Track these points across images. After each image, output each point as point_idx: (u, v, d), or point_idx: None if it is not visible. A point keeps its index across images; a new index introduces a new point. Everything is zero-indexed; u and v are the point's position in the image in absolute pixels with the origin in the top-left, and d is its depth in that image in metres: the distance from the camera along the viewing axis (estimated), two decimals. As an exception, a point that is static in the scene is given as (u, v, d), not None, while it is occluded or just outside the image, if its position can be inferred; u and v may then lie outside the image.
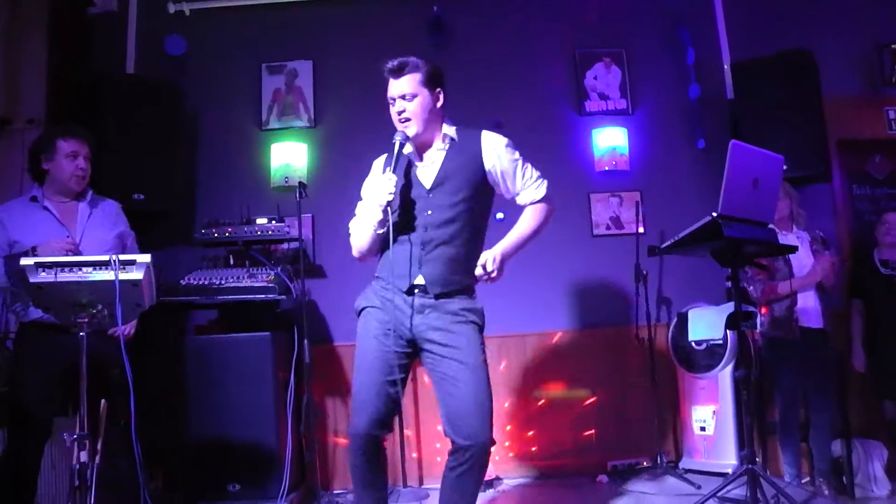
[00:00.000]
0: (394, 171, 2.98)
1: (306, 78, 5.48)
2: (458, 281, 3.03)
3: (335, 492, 4.94)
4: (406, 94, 3.03)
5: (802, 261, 4.42)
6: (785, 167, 3.59)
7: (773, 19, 5.62)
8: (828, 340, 4.49)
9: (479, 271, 2.99)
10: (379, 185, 2.97)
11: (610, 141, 5.46)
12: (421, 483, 5.05)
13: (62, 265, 2.83)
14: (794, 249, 3.87)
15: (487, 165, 3.09)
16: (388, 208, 2.95)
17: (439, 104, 3.11)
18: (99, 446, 2.90)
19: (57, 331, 3.32)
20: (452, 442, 2.91)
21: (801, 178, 4.94)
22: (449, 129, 3.13)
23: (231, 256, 4.71)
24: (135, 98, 4.89)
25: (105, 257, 2.87)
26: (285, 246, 5.05)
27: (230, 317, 4.60)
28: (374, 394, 2.93)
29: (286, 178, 5.21)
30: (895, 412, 4.78)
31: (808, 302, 4.40)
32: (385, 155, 3.21)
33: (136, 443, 2.97)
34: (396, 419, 4.81)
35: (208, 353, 4.34)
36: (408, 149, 3.09)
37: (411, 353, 3.05)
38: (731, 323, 4.23)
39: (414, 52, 5.16)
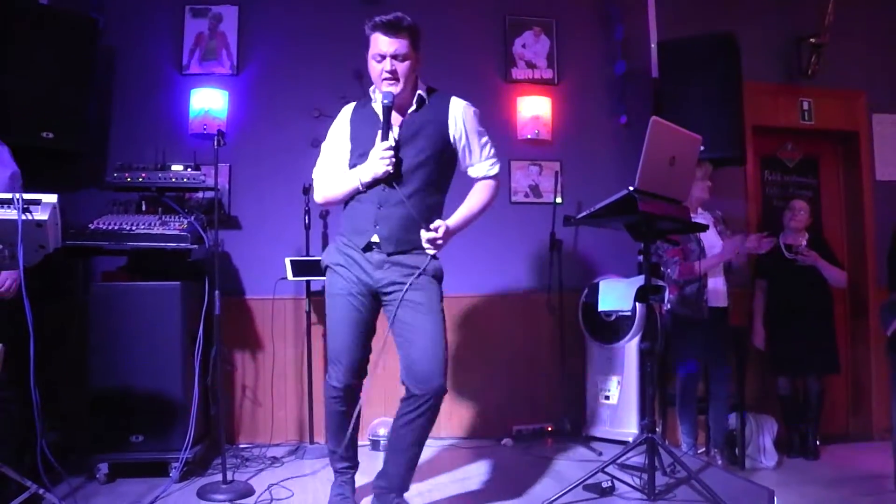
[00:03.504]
0: (385, 137, 3.02)
1: (231, 23, 5.28)
2: (412, 240, 3.10)
3: (240, 445, 4.89)
4: (399, 54, 3.02)
5: (711, 241, 4.56)
6: (702, 148, 3.67)
7: (701, 2, 5.73)
8: (728, 318, 4.67)
9: (427, 235, 3.03)
10: (376, 155, 3.01)
11: (534, 110, 5.49)
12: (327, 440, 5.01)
13: (-40, 202, 2.71)
14: (705, 228, 3.99)
15: (451, 131, 3.15)
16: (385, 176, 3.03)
17: (418, 66, 3.14)
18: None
19: None
20: (407, 389, 3.05)
21: (716, 161, 5.03)
22: (421, 91, 3.16)
23: (143, 202, 4.56)
24: (47, 31, 4.60)
25: (8, 195, 2.75)
26: (200, 195, 4.90)
27: (139, 264, 4.46)
28: (347, 346, 3.10)
29: (205, 125, 5.06)
30: (788, 388, 5.03)
31: (717, 283, 4.55)
32: (353, 103, 3.30)
33: (35, 391, 2.87)
34: (306, 376, 4.81)
35: (115, 300, 4.20)
36: (395, 118, 3.11)
37: (376, 305, 3.18)
38: (640, 296, 4.34)
39: (342, 9, 5.15)
